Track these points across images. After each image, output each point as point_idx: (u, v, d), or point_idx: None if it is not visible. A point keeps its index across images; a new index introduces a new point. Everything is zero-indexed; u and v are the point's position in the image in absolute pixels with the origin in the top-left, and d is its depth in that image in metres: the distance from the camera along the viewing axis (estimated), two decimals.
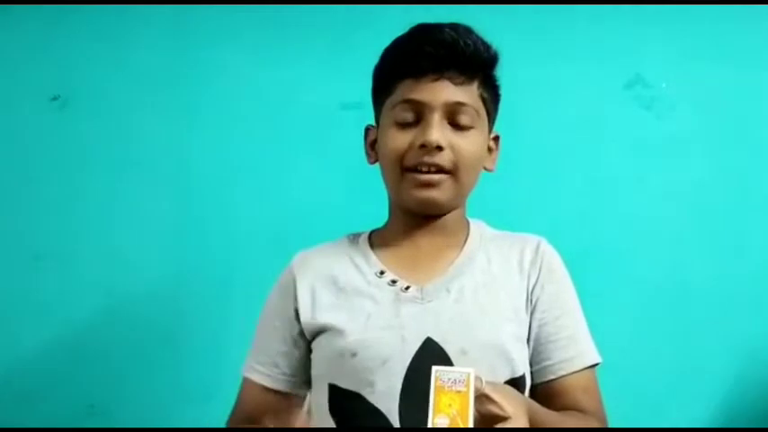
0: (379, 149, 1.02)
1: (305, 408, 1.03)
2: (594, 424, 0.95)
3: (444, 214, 1.02)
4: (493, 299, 0.98)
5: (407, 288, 0.98)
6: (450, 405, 0.73)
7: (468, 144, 0.97)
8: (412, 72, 0.97)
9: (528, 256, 1.02)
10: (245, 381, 1.05)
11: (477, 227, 1.07)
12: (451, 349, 0.92)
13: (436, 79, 0.96)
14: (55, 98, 1.55)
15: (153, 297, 1.51)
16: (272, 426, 1.03)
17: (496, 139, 1.06)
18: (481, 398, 0.76)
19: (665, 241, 1.47)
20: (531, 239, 1.05)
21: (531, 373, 0.99)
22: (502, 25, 1.44)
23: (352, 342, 0.94)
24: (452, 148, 0.96)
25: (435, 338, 0.93)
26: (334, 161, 1.49)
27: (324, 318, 0.98)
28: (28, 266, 1.51)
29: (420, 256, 1.01)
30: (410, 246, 1.02)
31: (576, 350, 0.99)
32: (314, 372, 1.00)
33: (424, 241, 1.02)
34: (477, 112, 0.98)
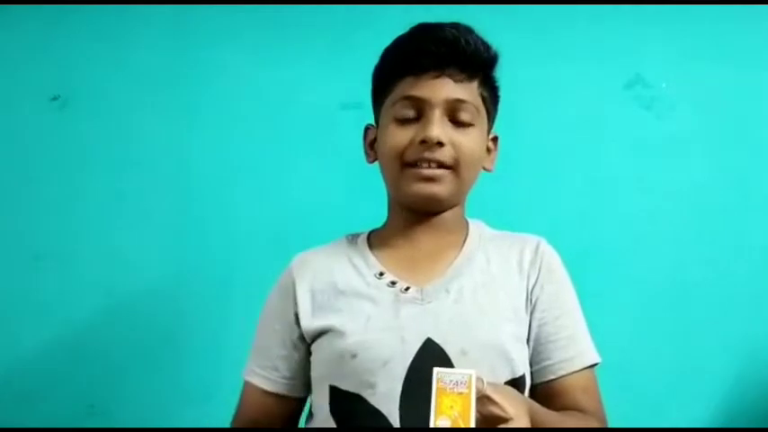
0: (379, 146, 1.02)
1: None
2: (595, 424, 0.95)
3: (443, 211, 1.02)
4: (492, 299, 0.98)
5: (407, 289, 0.98)
6: (451, 407, 0.73)
7: (469, 141, 0.97)
8: (413, 69, 0.97)
9: (527, 257, 1.02)
10: (246, 384, 1.06)
11: (476, 227, 1.07)
12: (451, 350, 0.92)
13: (437, 76, 0.96)
14: (55, 98, 1.55)
15: (153, 297, 1.51)
16: None
17: (495, 139, 1.06)
18: (483, 399, 0.76)
19: (665, 241, 1.47)
20: (531, 239, 1.05)
21: (531, 373, 0.99)
22: (502, 25, 1.44)
23: (353, 344, 0.94)
24: (453, 144, 0.96)
25: (435, 339, 0.93)
26: (334, 161, 1.49)
27: (323, 320, 0.98)
28: (28, 266, 1.51)
29: (419, 257, 1.01)
30: (409, 246, 1.02)
31: (575, 350, 0.99)
32: (314, 373, 1.00)
33: (423, 241, 1.02)
34: (477, 109, 0.99)
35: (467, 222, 1.07)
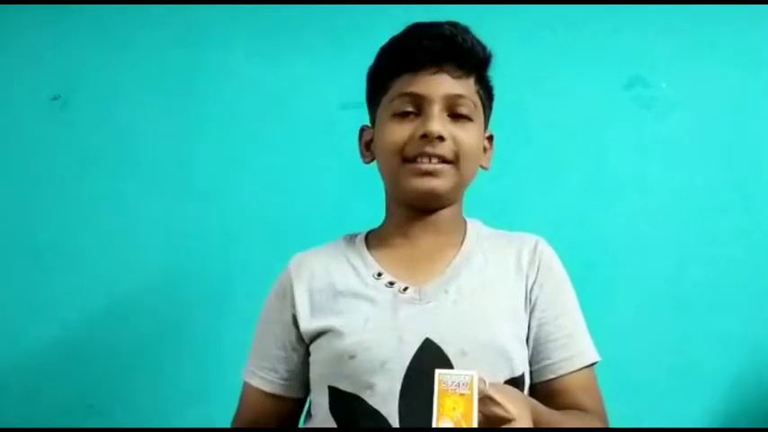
0: (378, 143, 1.02)
1: None
2: (596, 423, 0.95)
3: (442, 208, 1.02)
4: (491, 299, 0.98)
5: (405, 289, 0.98)
6: (454, 408, 0.73)
7: (468, 135, 0.98)
8: (410, 66, 0.97)
9: (526, 256, 1.02)
10: (246, 385, 1.06)
11: (474, 226, 1.07)
12: (450, 350, 0.92)
13: (435, 72, 0.97)
14: (55, 98, 1.55)
15: (153, 297, 1.51)
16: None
17: (491, 138, 1.06)
18: (485, 400, 0.76)
19: (665, 241, 1.47)
20: (529, 239, 1.04)
21: (531, 372, 0.99)
22: (502, 25, 1.46)
23: (351, 344, 0.94)
24: (453, 138, 0.96)
25: (434, 339, 0.93)
26: (333, 161, 1.49)
27: (322, 321, 0.98)
28: (28, 266, 1.51)
29: (417, 257, 1.01)
30: (407, 245, 1.02)
31: (575, 349, 0.99)
32: (313, 374, 1.00)
33: (422, 240, 1.02)
34: (474, 105, 0.99)
35: (465, 221, 1.07)
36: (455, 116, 0.97)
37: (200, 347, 1.48)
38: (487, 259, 1.02)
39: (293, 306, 1.01)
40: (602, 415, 0.99)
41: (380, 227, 1.08)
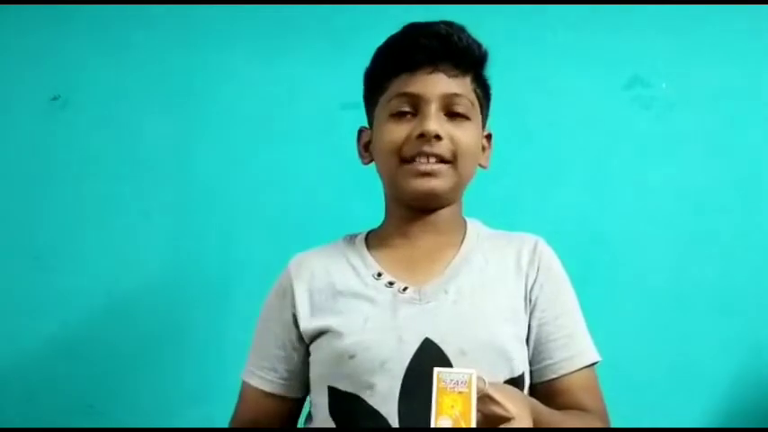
0: (376, 144, 1.02)
1: None
2: (597, 422, 0.95)
3: (441, 208, 1.02)
4: (491, 299, 0.98)
5: (405, 289, 0.98)
6: (452, 406, 0.73)
7: (466, 134, 0.98)
8: (407, 66, 0.97)
9: (525, 257, 1.02)
10: (245, 385, 1.05)
11: (474, 226, 1.07)
12: (450, 350, 0.92)
13: (431, 72, 0.97)
14: (55, 98, 1.55)
15: (152, 297, 1.51)
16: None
17: (489, 137, 1.06)
18: (484, 399, 0.75)
19: (665, 241, 1.47)
20: (529, 239, 1.04)
21: (532, 372, 0.99)
22: (502, 25, 1.46)
23: (351, 344, 0.94)
24: (451, 138, 0.96)
25: (433, 339, 0.93)
26: (333, 161, 1.48)
27: (322, 321, 0.98)
28: (28, 266, 1.51)
29: (417, 257, 1.01)
30: (407, 246, 1.02)
31: (576, 349, 0.99)
32: (313, 374, 1.00)
33: (421, 240, 1.02)
34: (472, 103, 0.99)
35: (464, 221, 1.07)
36: (452, 115, 0.97)
37: (200, 347, 1.48)
38: (487, 259, 1.02)
39: (293, 305, 1.01)
40: (603, 415, 0.99)
41: (380, 227, 1.08)
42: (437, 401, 0.73)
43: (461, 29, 0.99)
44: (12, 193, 1.53)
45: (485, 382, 0.76)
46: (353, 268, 1.02)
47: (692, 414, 1.43)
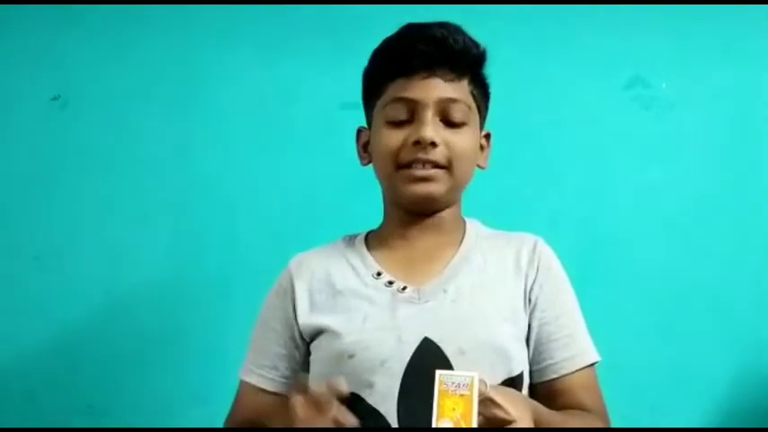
0: (373, 149, 1.02)
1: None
2: (597, 422, 0.95)
3: (439, 211, 1.02)
4: (490, 299, 0.98)
5: (404, 289, 0.98)
6: (454, 409, 0.73)
7: (462, 140, 0.98)
8: (403, 71, 0.97)
9: (525, 256, 1.02)
10: (244, 384, 1.05)
11: (473, 226, 1.07)
12: (449, 349, 0.92)
13: (427, 77, 0.96)
14: (55, 98, 1.55)
15: (152, 297, 1.51)
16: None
17: (488, 136, 1.06)
18: (486, 401, 0.76)
19: (665, 241, 1.47)
20: (528, 239, 1.05)
21: (532, 372, 0.99)
22: (502, 25, 1.45)
23: (350, 343, 0.94)
24: (446, 144, 0.96)
25: (433, 338, 0.93)
26: (333, 161, 1.48)
27: (321, 320, 0.98)
28: (28, 266, 1.51)
29: (416, 257, 1.02)
30: (406, 246, 1.03)
31: (577, 349, 0.99)
32: (313, 373, 1.00)
33: (420, 241, 1.02)
34: (468, 107, 0.99)
35: (464, 221, 1.07)
36: (448, 121, 0.97)
37: (201, 347, 1.48)
38: (486, 259, 1.02)
39: (294, 304, 1.01)
40: (604, 415, 0.99)
41: (380, 228, 1.08)
42: (438, 403, 0.73)
43: (457, 30, 0.98)
44: (12, 193, 1.53)
45: (486, 385, 0.76)
46: (353, 268, 1.02)
47: (692, 414, 1.43)
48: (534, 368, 0.99)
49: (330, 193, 1.50)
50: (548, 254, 1.04)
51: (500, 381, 0.92)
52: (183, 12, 1.55)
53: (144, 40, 1.55)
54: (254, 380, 1.04)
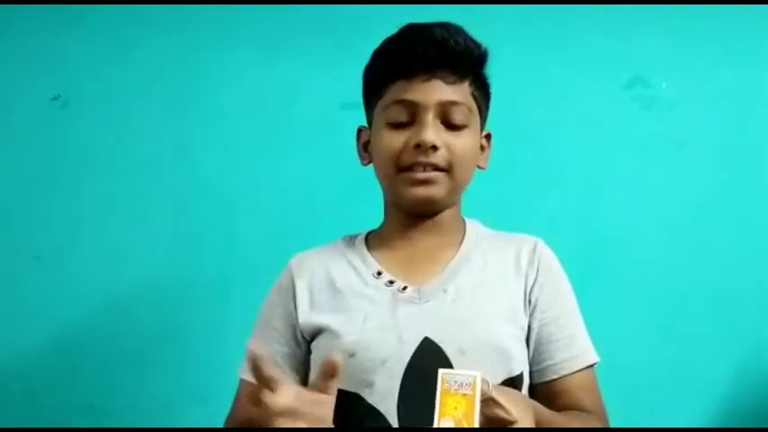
0: (374, 150, 1.02)
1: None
2: (597, 423, 0.95)
3: (439, 212, 1.02)
4: (490, 299, 0.98)
5: (405, 288, 0.98)
6: (456, 408, 0.73)
7: (462, 143, 0.98)
8: (403, 73, 0.97)
9: (525, 257, 1.02)
10: (244, 383, 1.04)
11: (473, 226, 1.07)
12: (449, 349, 0.92)
13: (428, 79, 0.96)
14: (55, 98, 1.55)
15: (152, 297, 1.51)
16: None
17: (488, 137, 1.06)
18: (488, 401, 0.76)
19: (665, 241, 1.47)
20: (528, 240, 1.05)
21: (532, 372, 0.99)
22: (502, 25, 1.45)
23: (350, 343, 0.94)
24: (447, 147, 0.96)
25: (433, 338, 0.93)
26: (333, 161, 1.48)
27: (321, 319, 0.98)
28: (28, 266, 1.51)
29: (417, 257, 1.02)
30: (407, 246, 1.03)
31: (577, 349, 0.99)
32: (312, 373, 1.00)
33: (421, 241, 1.03)
34: (469, 109, 0.99)
35: (464, 222, 1.07)
36: (449, 124, 0.97)
37: (201, 347, 1.48)
38: (486, 259, 1.02)
39: (295, 302, 1.01)
40: (603, 415, 0.99)
41: (380, 228, 1.08)
42: (440, 402, 0.73)
43: (458, 31, 0.98)
44: (12, 193, 1.53)
45: (489, 385, 0.76)
46: (354, 268, 1.02)
47: (692, 414, 1.43)
48: (534, 369, 0.99)
49: (330, 193, 1.50)
50: (548, 255, 1.04)
51: (500, 381, 0.92)
52: (183, 12, 1.55)
53: (144, 40, 1.55)
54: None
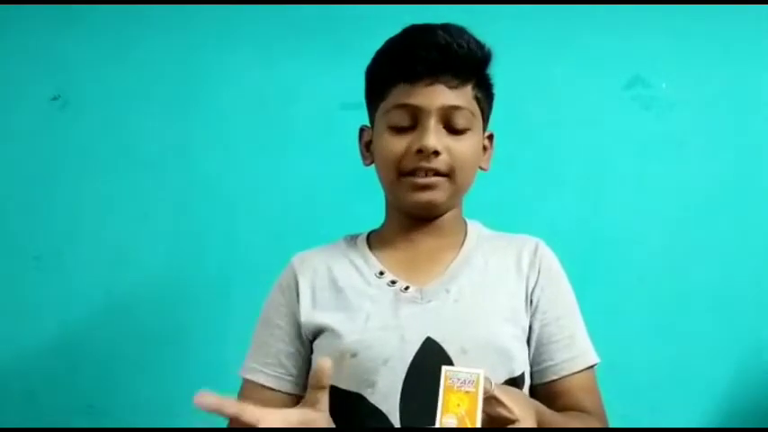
0: (375, 153, 1.02)
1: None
2: (597, 424, 0.96)
3: (441, 215, 1.02)
4: (492, 299, 0.98)
5: (407, 288, 0.98)
6: (458, 405, 0.73)
7: (464, 147, 0.97)
8: (406, 76, 0.96)
9: (526, 258, 1.02)
10: (247, 383, 1.03)
11: (474, 227, 1.07)
12: (451, 349, 0.92)
13: (431, 83, 0.96)
14: (55, 98, 1.55)
15: (152, 297, 1.51)
16: None
17: (491, 137, 1.06)
18: (490, 400, 0.76)
19: (665, 241, 1.47)
20: (529, 241, 1.05)
21: (532, 373, 0.99)
22: (502, 25, 1.45)
23: (352, 342, 0.94)
24: (449, 151, 0.96)
25: (435, 338, 0.93)
26: (334, 161, 1.48)
27: (322, 318, 0.98)
28: (28, 266, 1.51)
29: (418, 257, 1.02)
30: (408, 246, 1.03)
31: (577, 350, 0.99)
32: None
33: (423, 242, 1.03)
34: (472, 113, 0.98)
35: (465, 223, 1.07)
36: (451, 128, 0.97)
37: (201, 347, 1.48)
38: (487, 260, 1.02)
39: (297, 300, 1.01)
40: (603, 416, 0.99)
41: (381, 228, 1.08)
42: (443, 399, 0.73)
43: (461, 33, 0.97)
44: (12, 193, 1.53)
45: (491, 383, 0.76)
46: (356, 267, 1.02)
47: (692, 414, 1.43)
48: (534, 369, 0.99)
49: (330, 193, 1.50)
50: (549, 256, 1.04)
51: (502, 381, 0.92)
52: (183, 12, 1.55)
53: (144, 40, 1.55)
54: (260, 379, 1.01)
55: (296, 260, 1.05)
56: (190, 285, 1.50)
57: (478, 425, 0.72)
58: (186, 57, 1.55)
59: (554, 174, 1.49)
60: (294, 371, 1.01)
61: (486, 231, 1.08)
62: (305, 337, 1.01)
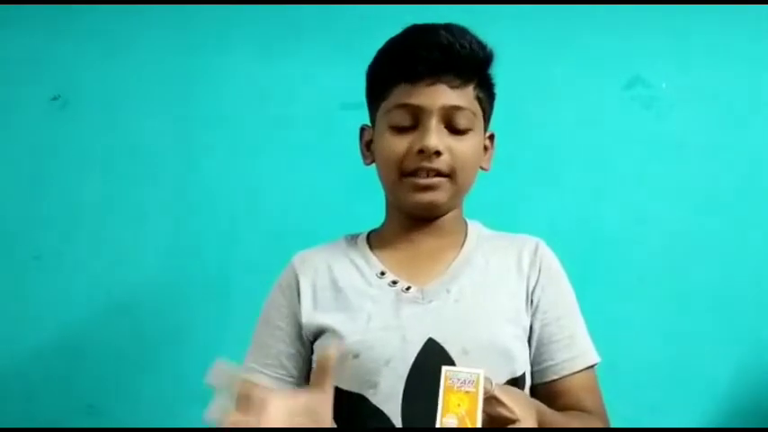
0: (376, 153, 1.02)
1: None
2: (598, 423, 0.96)
3: (442, 215, 1.02)
4: (493, 299, 0.98)
5: (408, 289, 0.98)
6: (459, 405, 0.73)
7: (466, 147, 0.97)
8: (407, 76, 0.96)
9: (526, 258, 1.02)
10: None
11: (475, 227, 1.07)
12: (453, 349, 0.92)
13: (432, 83, 0.95)
14: (55, 98, 1.55)
15: (152, 297, 1.50)
16: None
17: (492, 137, 1.06)
18: (490, 400, 0.76)
19: (665, 241, 1.47)
20: (529, 241, 1.05)
21: (533, 373, 0.99)
22: (502, 26, 1.45)
23: (354, 343, 0.94)
24: (450, 152, 0.96)
25: (437, 339, 0.93)
26: (334, 161, 1.48)
27: (323, 318, 0.98)
28: (28, 266, 1.51)
29: (419, 257, 1.02)
30: (409, 247, 1.03)
31: (578, 350, 0.99)
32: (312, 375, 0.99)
33: (423, 242, 1.03)
34: (473, 113, 0.98)
35: (465, 223, 1.07)
36: (452, 128, 0.97)
37: (201, 347, 1.47)
38: (488, 260, 1.02)
39: (298, 300, 1.00)
40: (603, 416, 0.99)
41: (381, 228, 1.08)
42: (444, 399, 0.73)
43: (463, 33, 0.97)
44: (12, 193, 1.53)
45: (492, 383, 0.76)
46: (357, 267, 1.02)
47: (692, 414, 1.43)
48: (535, 369, 0.99)
49: (330, 193, 1.50)
50: (549, 256, 1.04)
51: (503, 382, 0.92)
52: (183, 12, 1.55)
53: (144, 41, 1.55)
54: (261, 380, 1.00)
55: (296, 260, 1.05)
56: (189, 285, 1.50)
57: (479, 425, 0.72)
58: (186, 57, 1.55)
59: (554, 174, 1.49)
60: (295, 372, 1.01)
61: (487, 231, 1.08)
62: (305, 338, 1.00)
